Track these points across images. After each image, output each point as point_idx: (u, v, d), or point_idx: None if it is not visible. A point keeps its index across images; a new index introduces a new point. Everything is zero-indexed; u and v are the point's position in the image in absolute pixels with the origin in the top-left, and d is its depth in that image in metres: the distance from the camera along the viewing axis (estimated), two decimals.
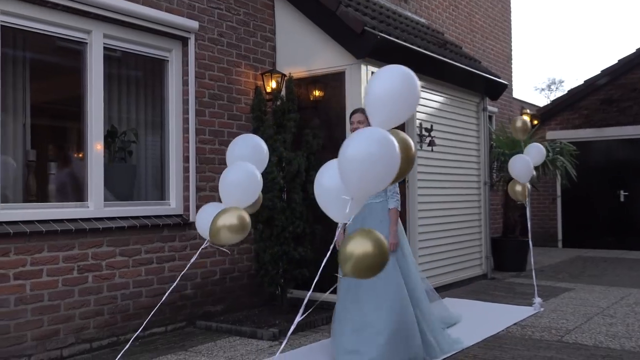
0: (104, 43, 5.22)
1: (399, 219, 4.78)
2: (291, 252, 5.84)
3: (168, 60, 5.81)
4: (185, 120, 5.78)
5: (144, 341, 5.18)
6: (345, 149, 2.86)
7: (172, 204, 5.70)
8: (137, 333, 4.63)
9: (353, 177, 2.84)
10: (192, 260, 4.27)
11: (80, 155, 5.28)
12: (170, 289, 4.48)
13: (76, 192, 5.26)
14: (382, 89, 2.99)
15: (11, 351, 4.38)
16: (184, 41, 5.82)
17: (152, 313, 4.49)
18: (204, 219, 4.09)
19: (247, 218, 3.91)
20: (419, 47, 6.92)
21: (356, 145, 2.83)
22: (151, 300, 5.30)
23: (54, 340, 4.64)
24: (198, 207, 5.77)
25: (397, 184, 4.42)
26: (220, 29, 6.14)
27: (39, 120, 5.20)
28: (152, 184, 5.84)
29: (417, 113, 7.20)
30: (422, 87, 7.29)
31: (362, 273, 2.90)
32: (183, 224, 5.64)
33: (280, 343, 4.83)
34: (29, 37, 4.93)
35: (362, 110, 4.59)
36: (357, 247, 2.83)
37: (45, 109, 5.37)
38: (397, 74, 3.01)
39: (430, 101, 7.51)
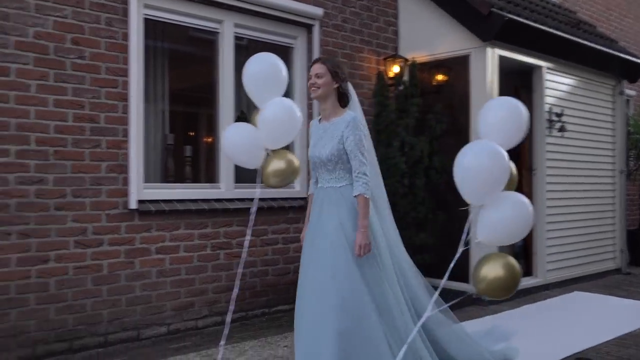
0: (235, 32, 5.46)
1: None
2: (412, 237, 5.82)
3: (293, 47, 5.97)
4: (309, 106, 5.91)
5: (270, 317, 5.42)
6: (461, 159, 3.13)
7: (297, 187, 5.86)
8: (222, 317, 4.82)
9: (467, 184, 3.14)
10: (252, 209, 3.86)
11: (212, 139, 5.58)
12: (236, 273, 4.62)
13: (209, 173, 5.58)
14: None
15: (153, 319, 4.75)
16: (309, 28, 5.95)
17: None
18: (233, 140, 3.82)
19: (296, 162, 3.82)
20: (549, 27, 6.58)
21: (470, 156, 3.14)
22: (277, 279, 5.52)
23: (190, 311, 4.97)
24: None
25: (364, 159, 3.38)
26: (343, 15, 6.21)
27: (176, 107, 5.56)
28: None
29: (546, 97, 6.87)
30: (552, 69, 6.95)
31: (495, 294, 3.16)
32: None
33: None
34: (167, 28, 5.27)
35: (324, 61, 3.55)
36: (490, 271, 3.07)
37: (181, 96, 5.72)
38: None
39: (561, 84, 7.14)
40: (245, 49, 5.84)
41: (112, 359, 4.36)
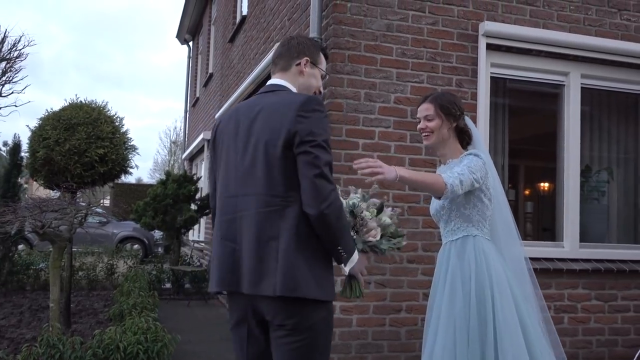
0: (581, 83, 5.20)
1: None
2: None
3: None
4: None
5: None
6: None
7: None
8: None
9: None
10: None
11: (554, 194, 5.35)
12: None
13: (550, 231, 5.34)
14: None
15: None
16: None
17: None
18: None
19: None
20: None
21: None
22: (627, 352, 4.98)
23: None
24: None
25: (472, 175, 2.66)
26: None
27: (515, 161, 5.49)
28: (626, 225, 5.52)
29: None
30: None
31: None
32: None
33: None
34: (508, 84, 5.26)
35: (433, 99, 2.86)
36: None
37: (521, 150, 5.64)
38: None
39: None
40: (589, 98, 5.53)
41: None
